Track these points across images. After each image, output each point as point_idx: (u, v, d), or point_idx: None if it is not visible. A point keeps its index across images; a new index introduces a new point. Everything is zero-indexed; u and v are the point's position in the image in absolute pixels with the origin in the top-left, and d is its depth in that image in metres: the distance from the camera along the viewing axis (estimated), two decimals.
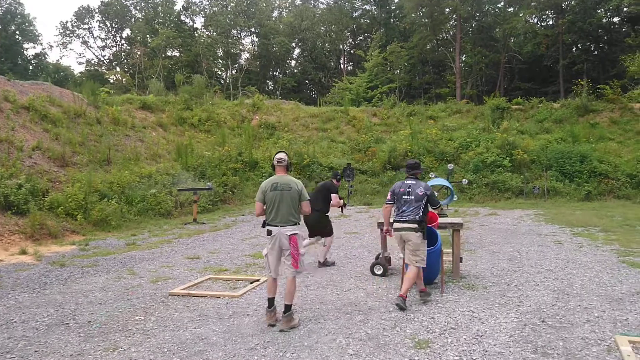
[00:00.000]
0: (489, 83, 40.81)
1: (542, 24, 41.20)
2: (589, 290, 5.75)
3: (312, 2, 53.11)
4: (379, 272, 6.68)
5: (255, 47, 49.76)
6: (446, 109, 24.75)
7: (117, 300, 5.83)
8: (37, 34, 52.05)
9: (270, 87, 51.05)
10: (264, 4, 50.54)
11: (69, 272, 7.44)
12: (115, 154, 16.04)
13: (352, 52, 49.01)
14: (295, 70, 52.03)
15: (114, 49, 54.06)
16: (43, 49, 59.15)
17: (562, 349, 3.99)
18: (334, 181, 7.67)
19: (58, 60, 58.00)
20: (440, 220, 6.78)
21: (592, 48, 37.84)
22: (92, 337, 4.61)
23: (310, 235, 7.45)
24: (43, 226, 10.52)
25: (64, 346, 4.39)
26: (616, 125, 20.39)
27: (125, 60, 51.74)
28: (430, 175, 15.11)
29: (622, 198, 15.71)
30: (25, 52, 51.42)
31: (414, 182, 5.40)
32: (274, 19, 51.09)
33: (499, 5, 39.95)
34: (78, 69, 56.73)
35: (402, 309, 5.06)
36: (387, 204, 5.52)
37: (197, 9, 50.73)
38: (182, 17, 51.01)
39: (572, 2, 35.94)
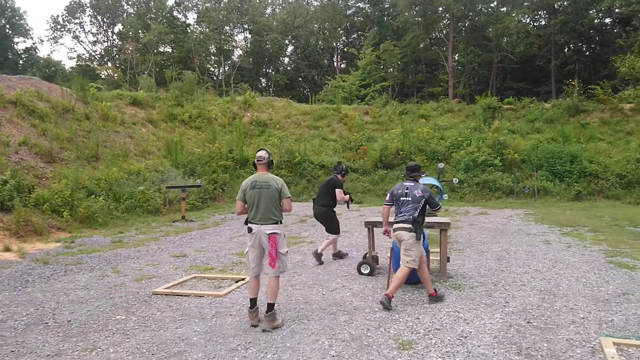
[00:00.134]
0: (482, 82, 40.91)
1: (535, 24, 41.36)
2: (576, 290, 5.73)
3: None
4: (366, 272, 6.62)
5: (248, 44, 49.54)
6: (438, 108, 24.75)
7: (99, 299, 5.73)
8: (27, 28, 51.42)
9: (263, 85, 50.84)
10: (257, 1, 50.30)
11: (52, 270, 7.33)
12: (103, 150, 15.87)
13: (345, 50, 48.94)
14: (289, 68, 51.85)
15: (106, 44, 53.60)
16: (34, 44, 58.68)
17: (546, 350, 3.96)
18: (339, 176, 7.58)
19: (49, 55, 57.25)
20: (428, 219, 6.72)
21: (584, 49, 38.05)
22: (70, 336, 4.52)
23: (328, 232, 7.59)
24: (28, 223, 10.38)
25: (41, 346, 4.29)
26: (606, 125, 20.49)
27: (116, 56, 51.29)
28: (421, 175, 15.07)
29: (611, 198, 15.78)
30: (15, 46, 50.82)
31: (412, 184, 5.46)
32: (267, 15, 50.86)
33: (492, 4, 40.04)
34: (69, 64, 56.26)
35: (386, 308, 5.03)
36: (385, 204, 5.62)
37: (190, 5, 50.43)
38: (175, 13, 50.63)
39: (565, 3, 36.08)
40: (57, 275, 6.96)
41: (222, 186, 16.77)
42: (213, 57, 49.36)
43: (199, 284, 6.38)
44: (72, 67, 51.33)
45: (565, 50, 37.04)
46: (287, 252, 4.85)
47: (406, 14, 40.64)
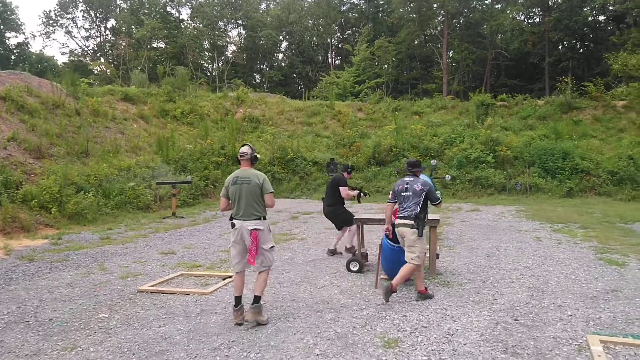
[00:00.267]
0: (476, 79, 40.97)
1: (529, 21, 41.43)
2: (564, 287, 5.70)
3: None
4: (355, 269, 6.57)
5: (242, 40, 49.30)
6: (431, 105, 24.72)
7: (82, 297, 5.64)
8: (19, 23, 50.86)
9: (257, 81, 50.64)
10: None
11: (37, 267, 7.22)
12: (94, 146, 15.71)
13: (339, 46, 48.82)
14: (283, 64, 51.67)
15: (98, 39, 53.14)
16: (26, 39, 58.10)
17: (532, 348, 3.92)
18: (344, 174, 7.53)
19: (41, 50, 56.67)
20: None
21: (578, 46, 38.13)
22: (51, 335, 4.44)
23: (338, 229, 7.62)
24: (15, 219, 10.23)
25: (20, 345, 4.21)
26: (599, 122, 20.53)
27: (109, 51, 50.88)
28: (431, 162, 15.03)
29: (603, 195, 15.81)
30: (7, 41, 50.27)
31: (412, 179, 5.47)
32: (261, 11, 50.59)
33: (487, 1, 40.09)
34: (62, 60, 55.62)
35: (386, 298, 5.10)
36: (388, 202, 5.65)
37: (183, 0, 50.04)
38: (168, 8, 50.30)
39: (559, 0, 36.12)
40: (42, 273, 6.86)
41: (214, 182, 16.66)
42: (207, 53, 49.10)
43: (186, 281, 6.30)
44: (64, 63, 50.92)
45: (559, 47, 37.10)
46: (272, 247, 4.77)
47: (401, 10, 40.61)
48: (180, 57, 44.36)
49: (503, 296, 5.37)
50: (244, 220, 4.63)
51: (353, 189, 7.69)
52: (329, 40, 49.82)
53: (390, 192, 5.69)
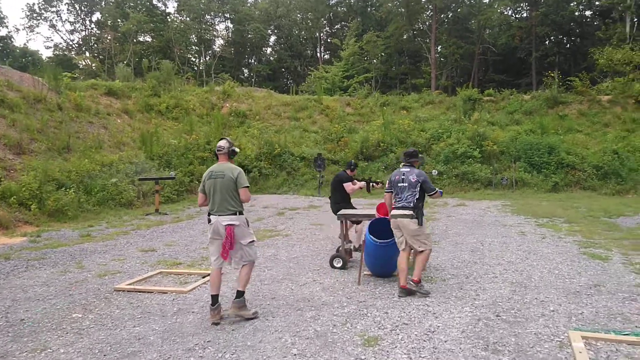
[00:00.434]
0: (464, 74, 41.03)
1: (517, 16, 41.55)
2: (547, 282, 5.67)
3: None
4: (339, 265, 6.48)
5: (230, 34, 48.81)
6: (419, 100, 24.67)
7: (57, 296, 5.48)
8: (2, 16, 49.81)
9: (246, 75, 50.21)
10: None
11: (13, 265, 7.03)
12: (76, 142, 15.42)
13: (328, 40, 48.55)
14: (271, 58, 51.28)
15: (83, 33, 52.26)
16: (9, 32, 56.76)
17: (513, 345, 3.86)
18: (347, 171, 7.42)
19: (25, 44, 55.60)
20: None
21: (565, 41, 38.36)
22: (21, 336, 4.29)
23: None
24: None
25: None
26: (584, 117, 20.64)
27: (94, 45, 50.07)
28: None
29: (588, 189, 15.91)
30: None
31: (409, 170, 5.46)
32: (248, 4, 50.11)
33: None
34: (46, 54, 54.72)
35: (426, 294, 5.19)
36: (386, 192, 5.65)
37: None
38: (154, 2, 49.53)
39: None
40: (18, 271, 6.67)
41: (199, 178, 16.42)
42: (194, 47, 48.54)
43: (165, 279, 6.16)
44: (49, 57, 50.01)
45: (546, 42, 37.31)
46: (252, 241, 4.66)
47: (389, 4, 40.45)
48: (166, 51, 43.75)
49: (486, 292, 5.32)
50: (219, 215, 4.54)
51: (361, 180, 7.59)
52: (317, 34, 49.50)
53: (387, 182, 5.69)
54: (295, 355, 3.73)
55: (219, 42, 49.29)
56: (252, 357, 3.72)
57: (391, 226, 5.51)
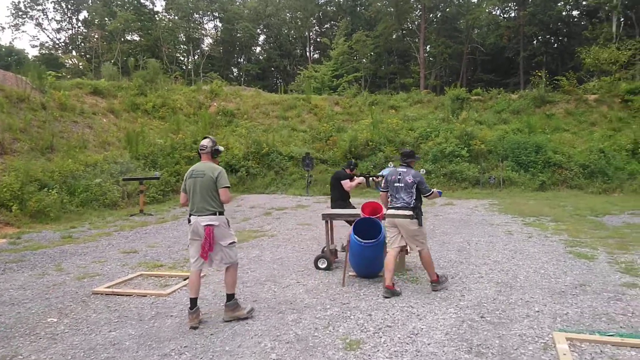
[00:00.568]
0: (453, 74, 41.20)
1: (505, 15, 41.80)
2: (533, 282, 5.62)
3: None
4: (323, 266, 6.38)
5: (219, 33, 48.49)
6: (408, 99, 24.65)
7: (33, 300, 5.32)
8: None
9: (235, 74, 49.93)
10: None
11: None
12: (59, 141, 15.17)
13: (318, 40, 48.45)
14: (261, 57, 51.05)
15: (70, 32, 51.62)
16: None
17: (497, 347, 3.79)
18: (347, 170, 7.41)
19: (11, 43, 54.73)
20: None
21: (552, 40, 38.70)
22: None
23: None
24: None
25: None
26: (571, 116, 20.76)
27: (81, 44, 49.47)
28: (389, 165, 14.93)
29: (574, 188, 15.97)
30: None
31: (405, 170, 5.45)
32: (237, 3, 49.85)
33: None
34: (32, 53, 53.92)
35: (442, 285, 5.36)
36: (381, 191, 5.67)
37: None
38: (142, 0, 49.09)
39: None
40: None
41: None
42: (182, 46, 48.17)
43: (145, 282, 6.01)
44: (35, 56, 49.29)
45: (534, 42, 37.60)
46: (232, 243, 4.55)
47: (378, 4, 40.52)
48: (154, 50, 43.35)
49: (471, 292, 5.26)
50: (198, 215, 4.44)
51: (360, 176, 7.55)
52: (306, 33, 49.39)
53: (382, 181, 5.68)
54: None
55: (208, 41, 49.01)
56: None
57: (386, 223, 5.51)
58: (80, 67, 39.98)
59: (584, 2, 34.55)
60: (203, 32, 48.21)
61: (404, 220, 5.27)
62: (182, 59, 49.62)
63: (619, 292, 5.17)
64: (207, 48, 48.10)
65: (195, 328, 4.27)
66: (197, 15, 47.37)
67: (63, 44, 51.18)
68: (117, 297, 5.35)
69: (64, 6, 50.46)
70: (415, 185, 5.32)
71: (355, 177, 7.40)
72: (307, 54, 49.74)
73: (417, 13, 40.34)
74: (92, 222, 10.96)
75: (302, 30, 49.11)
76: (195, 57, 47.71)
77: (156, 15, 47.40)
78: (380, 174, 8.61)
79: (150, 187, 14.42)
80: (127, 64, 28.11)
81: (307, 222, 10.74)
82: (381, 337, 4.04)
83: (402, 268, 6.25)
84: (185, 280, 5.86)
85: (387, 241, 5.55)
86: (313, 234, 9.25)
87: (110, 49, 42.37)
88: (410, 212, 5.24)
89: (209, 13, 47.98)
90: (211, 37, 48.66)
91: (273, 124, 22.19)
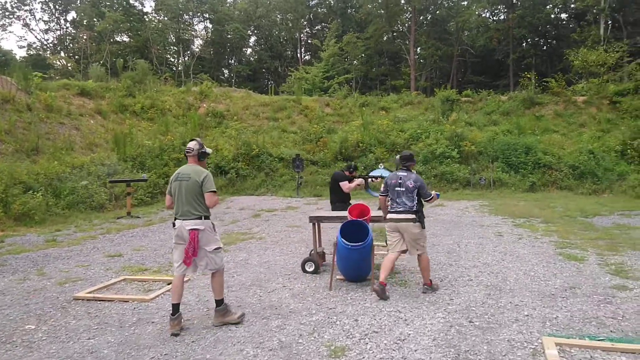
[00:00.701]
0: (443, 76, 41.30)
1: (494, 18, 41.99)
2: (523, 285, 5.57)
3: None
4: (310, 270, 6.28)
5: (209, 34, 48.23)
6: (398, 100, 24.63)
7: (12, 306, 5.16)
8: None
9: (225, 75, 49.68)
10: None
11: None
12: (45, 143, 14.93)
13: (309, 41, 48.37)
14: (252, 59, 50.86)
15: (58, 32, 51.08)
16: None
17: (485, 353, 3.71)
18: (346, 173, 7.34)
19: None
20: (374, 213, 6.43)
21: (541, 43, 38.91)
22: None
23: None
24: None
25: None
26: (560, 117, 20.84)
27: (70, 45, 48.97)
28: (379, 166, 14.86)
29: (564, 189, 16.01)
30: None
31: (406, 174, 5.41)
32: (227, 4, 49.63)
33: None
34: (20, 53, 53.21)
35: (433, 290, 5.32)
36: (381, 195, 5.64)
37: None
38: (131, 1, 48.69)
39: None
40: None
41: None
42: (172, 47, 47.84)
43: (128, 287, 5.87)
44: (22, 57, 48.72)
45: (523, 44, 37.78)
46: (217, 248, 4.45)
47: (369, 6, 40.48)
48: (144, 51, 43.00)
49: (460, 296, 5.19)
50: (183, 219, 4.34)
51: (358, 177, 7.51)
52: (297, 35, 49.27)
53: (382, 184, 5.62)
54: None
55: (198, 42, 48.73)
56: None
57: (387, 228, 5.49)
58: (69, 68, 39.56)
59: (572, 5, 34.80)
60: (193, 33, 47.92)
61: (407, 225, 5.26)
62: (172, 60, 49.29)
63: (609, 295, 5.12)
64: (197, 49, 47.83)
65: (176, 335, 4.15)
66: (187, 17, 47.05)
67: (51, 45, 50.66)
68: (99, 302, 5.21)
69: (52, 6, 49.95)
70: (416, 189, 5.31)
71: (354, 178, 7.39)
72: (298, 55, 49.62)
73: (407, 15, 40.43)
74: (78, 225, 10.77)
75: (293, 32, 48.99)
76: (186, 59, 47.41)
77: (145, 16, 47.02)
78: (372, 174, 8.57)
79: (138, 189, 14.23)
80: (116, 65, 27.83)
81: (297, 224, 10.63)
82: (367, 343, 3.95)
83: (391, 271, 6.15)
84: (169, 284, 5.73)
85: (388, 244, 5.57)
86: (302, 236, 9.14)
87: (99, 50, 41.97)
88: (412, 216, 5.24)
89: (199, 14, 47.70)
90: (201, 38, 48.39)
91: (263, 125, 22.05)
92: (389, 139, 19.21)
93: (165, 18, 45.17)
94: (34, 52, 48.96)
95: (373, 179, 7.70)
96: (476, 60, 39.57)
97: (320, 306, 4.91)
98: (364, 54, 40.95)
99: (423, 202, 5.47)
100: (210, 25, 48.15)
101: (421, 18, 40.24)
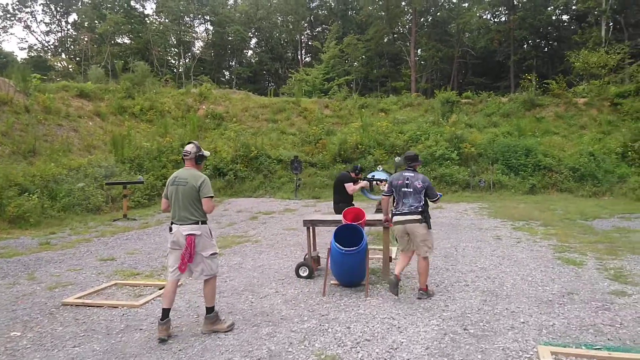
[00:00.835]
0: (444, 77, 41.21)
1: (495, 20, 41.92)
2: (520, 290, 5.46)
3: None
4: (304, 274, 6.18)
5: (210, 36, 48.21)
6: (398, 102, 24.53)
7: None
8: None
9: (227, 77, 49.65)
10: None
11: None
12: (43, 145, 14.88)
13: (309, 43, 48.32)
14: (252, 61, 50.84)
15: (59, 34, 51.10)
16: None
17: None
18: (352, 174, 7.37)
19: None
20: (369, 217, 6.35)
21: (542, 44, 38.81)
22: None
23: None
24: None
25: None
26: (561, 119, 20.73)
27: (71, 47, 48.99)
28: (377, 168, 14.77)
29: (564, 191, 15.90)
30: None
31: (412, 174, 5.35)
32: (228, 7, 49.62)
33: (454, 0, 40.33)
34: (21, 55, 53.38)
35: (429, 296, 5.22)
36: (384, 195, 5.55)
37: None
38: (132, 3, 48.70)
39: None
40: None
41: None
42: (173, 49, 47.84)
43: (119, 292, 5.78)
44: (24, 59, 48.74)
45: (524, 46, 37.68)
46: (213, 254, 4.38)
47: (369, 8, 40.47)
48: (145, 52, 43.00)
49: (455, 302, 5.08)
50: (180, 224, 4.28)
51: (364, 179, 7.50)
52: (298, 37, 49.23)
53: (387, 185, 5.55)
54: None
55: (199, 44, 48.73)
56: None
57: (396, 233, 5.42)
58: (70, 69, 39.58)
59: (573, 7, 34.70)
60: (194, 35, 47.92)
61: (413, 225, 5.21)
62: (173, 62, 49.30)
63: (607, 301, 5.02)
64: (198, 51, 47.82)
65: (163, 341, 4.07)
66: (188, 19, 47.07)
67: (52, 47, 50.71)
68: (87, 308, 5.12)
69: (53, 9, 50.00)
70: (424, 190, 5.26)
71: (359, 180, 7.42)
72: (299, 57, 49.57)
73: (408, 17, 40.37)
74: (73, 228, 10.68)
75: (294, 34, 48.97)
76: (186, 60, 47.42)
77: (146, 18, 47.06)
78: (370, 176, 8.49)
79: (136, 191, 14.16)
80: (116, 66, 27.82)
81: (293, 227, 10.53)
82: (359, 352, 3.85)
83: (386, 276, 6.06)
84: (160, 289, 5.64)
85: (398, 248, 5.55)
86: (298, 240, 9.04)
87: (100, 52, 42.01)
88: (419, 217, 5.20)
89: (199, 16, 47.69)
90: (202, 40, 48.38)
91: (262, 127, 21.97)
92: (388, 141, 19.11)
93: (166, 20, 45.20)
94: (35, 54, 49.00)
95: (378, 182, 7.67)
96: (477, 62, 39.50)
97: (313, 312, 4.81)
98: (365, 55, 40.89)
99: (429, 202, 5.42)
100: (211, 27, 48.16)
101: (422, 20, 40.19)
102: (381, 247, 6.67)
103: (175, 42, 46.72)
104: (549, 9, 34.92)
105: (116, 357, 3.84)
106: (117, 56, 41.65)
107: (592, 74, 24.13)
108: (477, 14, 38.13)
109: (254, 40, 51.13)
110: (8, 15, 49.52)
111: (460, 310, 4.81)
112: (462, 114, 21.58)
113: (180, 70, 46.42)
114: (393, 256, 6.89)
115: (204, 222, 4.34)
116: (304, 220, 6.33)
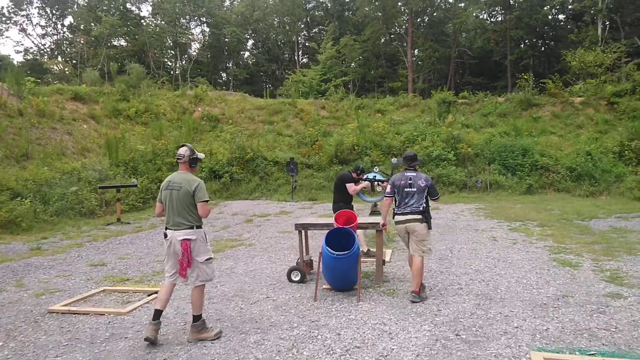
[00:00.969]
0: (441, 78, 41.15)
1: (491, 19, 41.92)
2: (514, 293, 5.37)
3: None
4: (296, 279, 6.09)
5: (206, 37, 48.11)
6: (394, 103, 24.46)
7: None
8: None
9: (223, 79, 49.57)
10: None
11: None
12: (36, 148, 14.79)
13: (306, 44, 48.28)
14: (249, 62, 50.75)
15: (55, 37, 51.00)
16: None
17: None
18: (354, 174, 7.30)
19: None
20: (362, 220, 6.26)
21: (539, 44, 38.81)
22: None
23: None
24: None
25: None
26: (557, 119, 20.68)
27: (67, 50, 48.86)
28: (374, 169, 14.68)
29: (562, 191, 15.83)
30: None
31: (415, 174, 5.37)
32: (225, 8, 49.54)
33: (450, 0, 40.29)
34: (17, 58, 53.12)
35: (422, 299, 5.14)
36: (387, 196, 5.50)
37: None
38: (128, 5, 48.60)
39: None
40: None
41: None
42: (170, 51, 47.73)
43: (107, 298, 5.68)
44: (20, 62, 48.61)
45: (521, 45, 37.68)
46: (208, 259, 4.31)
47: (366, 8, 40.42)
48: (141, 55, 42.89)
49: (448, 306, 4.99)
50: (174, 230, 4.21)
51: (365, 180, 7.48)
52: (294, 38, 49.16)
53: (388, 186, 5.50)
54: None
55: (195, 46, 48.62)
56: None
57: (399, 233, 5.43)
58: (66, 72, 39.46)
59: (569, 6, 34.71)
60: (190, 37, 47.80)
61: (415, 224, 5.22)
62: (170, 64, 49.20)
63: (602, 304, 4.93)
64: (194, 53, 47.72)
65: (150, 341, 4.02)
66: (184, 20, 46.96)
67: (48, 50, 50.58)
68: (74, 316, 5.01)
69: (49, 11, 49.89)
70: (427, 189, 5.27)
71: (360, 181, 7.36)
72: (296, 58, 49.50)
73: (404, 17, 40.32)
74: (66, 232, 10.57)
75: (290, 35, 48.88)
76: (183, 62, 47.31)
77: (142, 20, 46.98)
78: (366, 177, 8.40)
79: (130, 194, 14.06)
80: (111, 69, 27.68)
81: (288, 230, 10.42)
82: (347, 359, 3.76)
83: (379, 280, 5.98)
84: (149, 295, 5.55)
85: (409, 249, 5.47)
86: (292, 243, 8.93)
87: (96, 54, 41.90)
88: (420, 216, 5.21)
89: (195, 18, 47.59)
90: (198, 42, 48.28)
91: (258, 129, 21.88)
92: (384, 142, 19.03)
93: (162, 22, 45.09)
94: (31, 57, 48.89)
95: (379, 182, 7.61)
96: (474, 62, 39.48)
97: (303, 319, 4.71)
98: (361, 56, 40.84)
99: (432, 200, 5.40)
100: (208, 29, 48.07)
101: (418, 20, 40.17)
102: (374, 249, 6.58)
103: (171, 44, 46.59)
104: (545, 8, 34.91)
105: None
106: (113, 58, 41.51)
107: (589, 73, 24.10)
108: (474, 14, 38.11)
109: (250, 42, 51.10)
110: (4, 19, 49.40)
111: (453, 314, 4.72)
112: (459, 114, 21.52)
113: (177, 72, 46.31)
114: (387, 259, 6.80)
115: (199, 227, 4.28)
116: (295, 224, 6.24)
